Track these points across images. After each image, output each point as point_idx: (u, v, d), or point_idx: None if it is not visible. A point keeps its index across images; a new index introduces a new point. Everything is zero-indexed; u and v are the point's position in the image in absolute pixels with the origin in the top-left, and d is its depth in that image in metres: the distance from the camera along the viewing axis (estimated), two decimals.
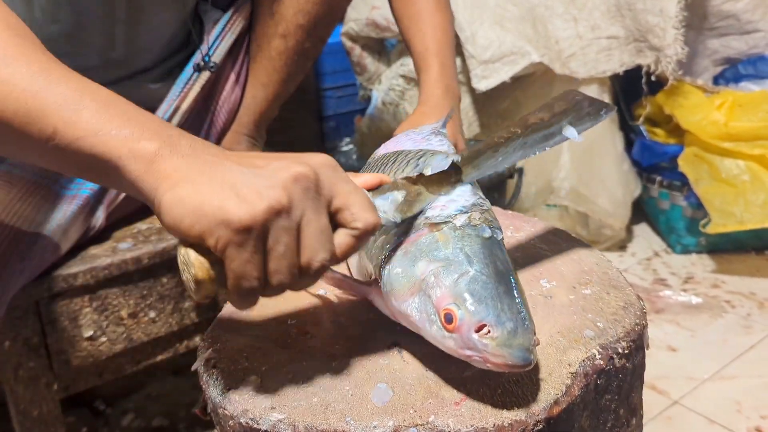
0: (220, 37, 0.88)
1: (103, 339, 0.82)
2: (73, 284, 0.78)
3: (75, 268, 0.79)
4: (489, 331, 0.40)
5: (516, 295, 0.42)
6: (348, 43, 1.76)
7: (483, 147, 0.53)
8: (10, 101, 0.42)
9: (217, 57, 0.88)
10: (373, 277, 0.50)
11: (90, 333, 0.81)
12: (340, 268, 0.57)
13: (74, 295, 0.79)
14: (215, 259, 0.40)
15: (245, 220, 0.38)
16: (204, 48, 0.87)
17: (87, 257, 0.81)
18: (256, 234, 0.39)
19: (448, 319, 0.41)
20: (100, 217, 0.82)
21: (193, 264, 0.41)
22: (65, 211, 0.76)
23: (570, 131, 0.55)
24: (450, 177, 0.51)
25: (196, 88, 0.87)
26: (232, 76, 0.93)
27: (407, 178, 0.50)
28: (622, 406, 0.51)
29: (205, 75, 0.87)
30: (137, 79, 0.85)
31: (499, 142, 0.54)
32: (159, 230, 0.88)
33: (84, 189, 0.79)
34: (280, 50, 0.88)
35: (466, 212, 0.47)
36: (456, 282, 0.42)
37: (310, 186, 0.41)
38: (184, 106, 0.86)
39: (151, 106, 0.86)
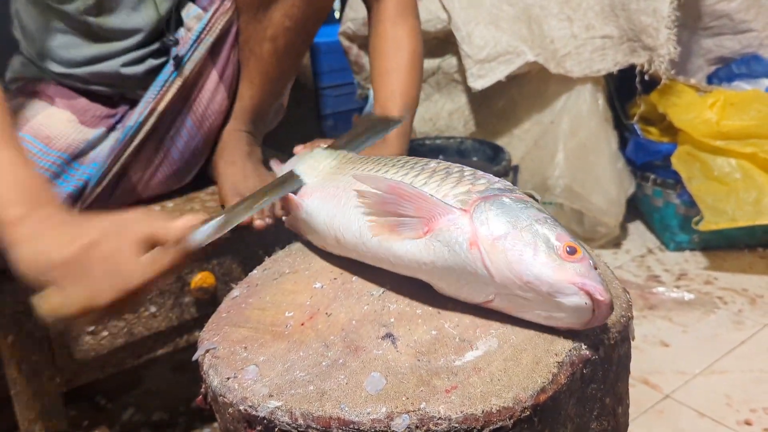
0: (198, 39, 0.90)
1: (105, 333, 0.84)
2: None
3: None
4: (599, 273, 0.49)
5: None
6: (346, 43, 1.77)
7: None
8: None
9: (195, 57, 0.90)
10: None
11: (92, 327, 0.83)
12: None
13: None
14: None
15: (59, 259, 0.52)
16: (173, 38, 0.89)
17: None
18: (72, 267, 0.52)
19: (571, 251, 0.49)
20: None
21: (39, 305, 0.53)
22: None
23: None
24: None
25: (173, 90, 0.89)
26: (215, 76, 0.94)
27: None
28: (608, 395, 0.53)
29: (181, 79, 0.89)
30: (113, 61, 0.88)
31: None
32: None
33: (69, 186, 0.86)
34: (271, 52, 0.90)
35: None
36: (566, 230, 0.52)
37: (109, 232, 0.53)
38: (161, 107, 0.89)
39: (121, 92, 0.91)
